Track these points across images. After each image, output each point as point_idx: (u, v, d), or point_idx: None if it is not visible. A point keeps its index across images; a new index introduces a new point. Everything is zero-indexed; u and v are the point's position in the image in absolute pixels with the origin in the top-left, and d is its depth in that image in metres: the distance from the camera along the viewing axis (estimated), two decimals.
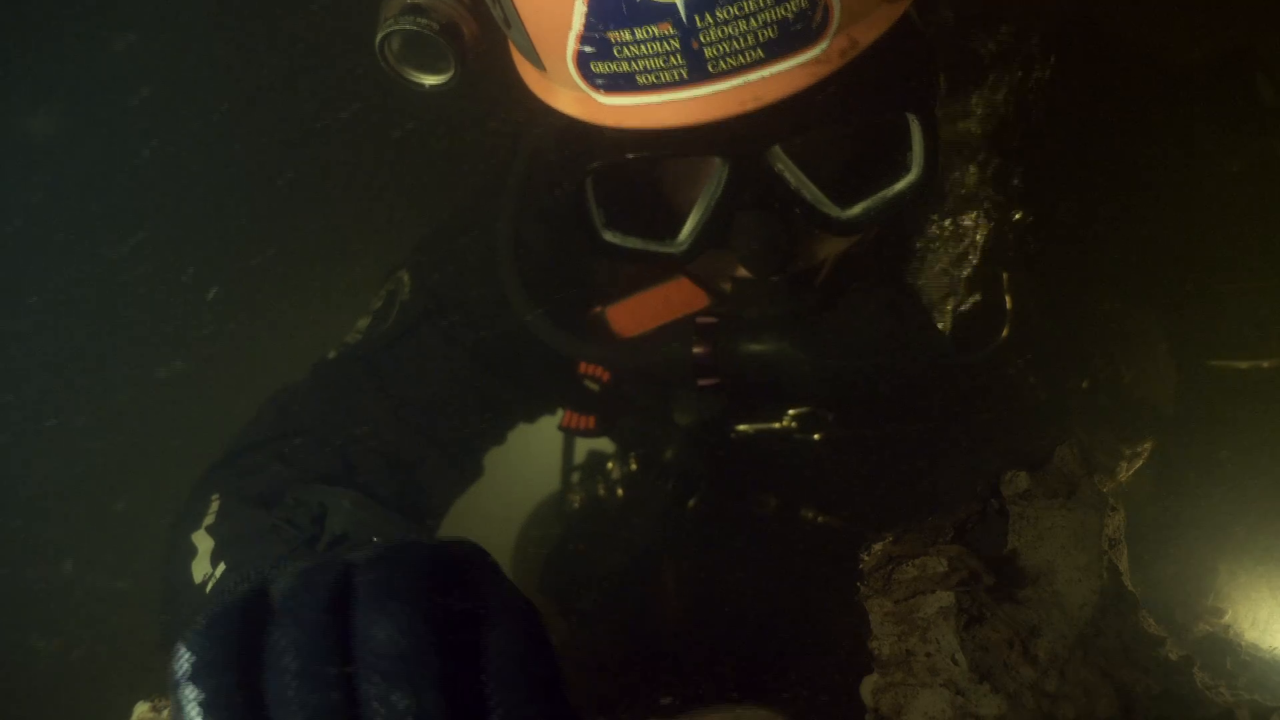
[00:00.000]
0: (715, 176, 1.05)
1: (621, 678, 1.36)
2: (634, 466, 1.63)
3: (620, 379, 1.57)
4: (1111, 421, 1.54)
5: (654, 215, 1.16)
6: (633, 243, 1.14)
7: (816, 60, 0.92)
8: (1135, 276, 1.49)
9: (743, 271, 1.16)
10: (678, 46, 0.89)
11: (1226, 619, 1.25)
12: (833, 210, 1.08)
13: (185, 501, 1.36)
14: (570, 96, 1.00)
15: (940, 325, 1.32)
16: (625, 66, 0.92)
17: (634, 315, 1.45)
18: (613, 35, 0.89)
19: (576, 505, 1.79)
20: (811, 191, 1.06)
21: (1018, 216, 1.33)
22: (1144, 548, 1.06)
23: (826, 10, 0.90)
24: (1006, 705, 0.86)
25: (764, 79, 0.91)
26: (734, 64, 0.90)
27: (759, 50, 0.89)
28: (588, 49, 0.92)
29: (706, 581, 1.68)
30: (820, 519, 1.61)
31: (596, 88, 0.95)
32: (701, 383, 1.29)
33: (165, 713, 1.00)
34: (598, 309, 1.50)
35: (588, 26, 0.90)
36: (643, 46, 0.89)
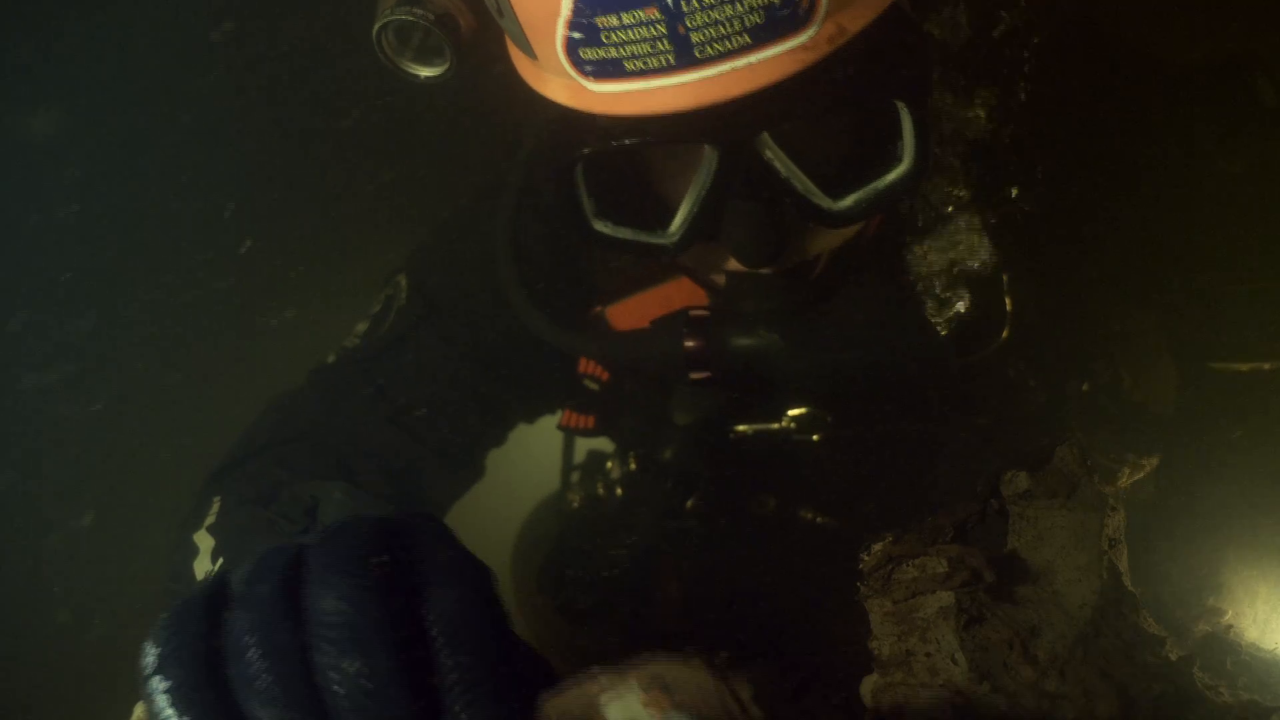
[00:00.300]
0: (705, 166, 1.05)
1: None
2: (633, 466, 1.62)
3: (620, 378, 1.57)
4: (1112, 423, 1.54)
5: (645, 206, 1.16)
6: (624, 233, 1.14)
7: (804, 47, 0.92)
8: (1135, 277, 1.49)
9: (736, 265, 1.16)
10: (664, 32, 0.88)
11: (1227, 619, 1.24)
12: (824, 201, 1.08)
13: (190, 506, 1.37)
14: (561, 84, 1.00)
15: (940, 326, 1.32)
16: (613, 53, 0.91)
17: (634, 315, 1.45)
18: (600, 21, 0.89)
19: (576, 505, 1.79)
20: (802, 182, 1.06)
21: (1018, 217, 1.33)
22: (1144, 548, 1.06)
23: None
24: (1006, 705, 0.86)
25: (751, 65, 0.91)
26: (721, 49, 0.90)
27: (745, 36, 0.89)
28: (576, 35, 0.92)
29: (706, 581, 1.68)
30: (820, 519, 1.61)
31: (586, 75, 0.95)
32: (693, 376, 1.28)
33: None
34: (598, 309, 1.50)
35: (576, 13, 0.90)
36: (630, 32, 0.89)
